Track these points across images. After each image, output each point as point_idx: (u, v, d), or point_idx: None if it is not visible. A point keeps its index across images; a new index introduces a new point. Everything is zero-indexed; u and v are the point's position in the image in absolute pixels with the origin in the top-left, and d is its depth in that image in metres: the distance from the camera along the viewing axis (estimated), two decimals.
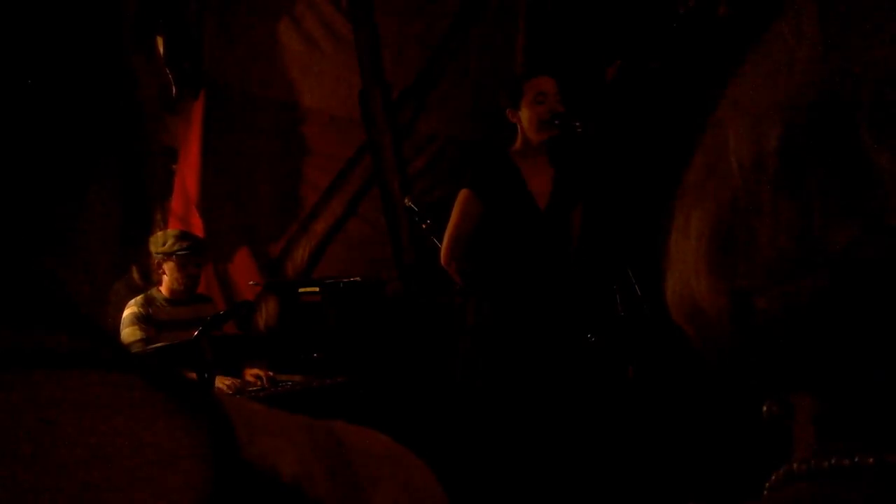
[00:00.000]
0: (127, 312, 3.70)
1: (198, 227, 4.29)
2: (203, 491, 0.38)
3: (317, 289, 4.23)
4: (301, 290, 4.33)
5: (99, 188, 0.44)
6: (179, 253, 3.68)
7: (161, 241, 3.71)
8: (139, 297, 3.75)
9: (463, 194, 3.25)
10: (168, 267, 3.72)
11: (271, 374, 3.71)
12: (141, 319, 3.65)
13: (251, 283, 4.33)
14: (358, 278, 4.32)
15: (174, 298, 3.75)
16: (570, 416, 3.13)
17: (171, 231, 3.82)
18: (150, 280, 4.03)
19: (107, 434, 0.38)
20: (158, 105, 0.48)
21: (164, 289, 3.77)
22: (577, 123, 3.18)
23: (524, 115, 3.24)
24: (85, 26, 0.42)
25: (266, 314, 4.37)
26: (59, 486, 0.36)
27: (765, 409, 0.50)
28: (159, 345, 3.50)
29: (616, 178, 3.51)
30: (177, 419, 0.39)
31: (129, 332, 3.63)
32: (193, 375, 2.91)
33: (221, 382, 3.53)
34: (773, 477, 0.48)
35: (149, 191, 0.48)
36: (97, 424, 0.38)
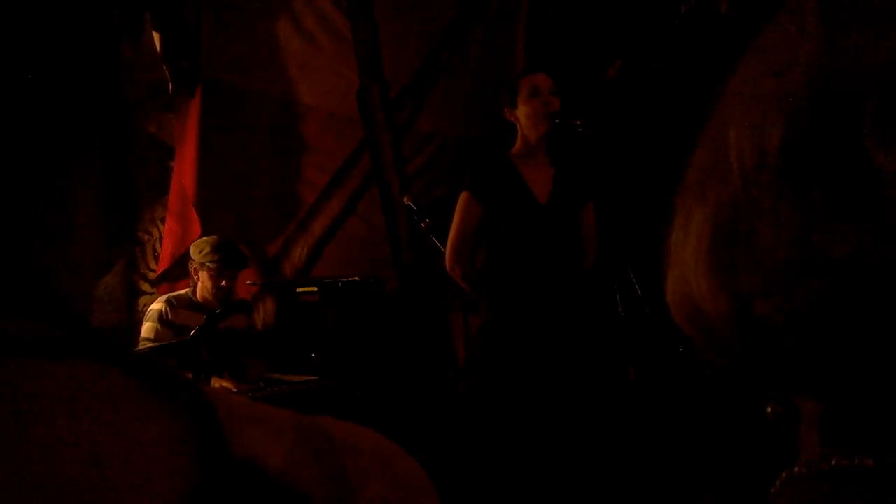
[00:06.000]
0: (153, 307, 3.71)
1: (195, 226, 4.27)
2: (188, 483, 0.37)
3: (315, 288, 4.21)
4: (299, 289, 4.30)
5: (82, 179, 0.43)
6: (210, 265, 3.67)
7: (199, 248, 3.71)
8: (170, 295, 3.76)
9: (463, 197, 3.27)
10: (202, 276, 3.72)
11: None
12: (161, 319, 3.65)
13: (248, 282, 4.30)
14: (356, 278, 4.30)
15: (204, 305, 3.71)
16: (573, 415, 3.13)
17: (210, 239, 3.78)
18: (150, 281, 4.02)
19: (88, 425, 0.37)
20: (147, 97, 0.47)
21: (198, 293, 3.77)
22: (578, 122, 3.19)
23: (521, 112, 3.26)
24: (68, 16, 0.41)
25: (263, 314, 4.34)
26: (36, 478, 0.35)
27: (769, 410, 0.50)
28: (155, 344, 3.50)
29: (617, 178, 3.51)
30: (161, 411, 0.39)
31: (147, 328, 3.65)
32: (189, 376, 2.88)
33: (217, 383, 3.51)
34: (777, 482, 0.48)
35: (136, 184, 0.46)
36: (77, 415, 0.37)
